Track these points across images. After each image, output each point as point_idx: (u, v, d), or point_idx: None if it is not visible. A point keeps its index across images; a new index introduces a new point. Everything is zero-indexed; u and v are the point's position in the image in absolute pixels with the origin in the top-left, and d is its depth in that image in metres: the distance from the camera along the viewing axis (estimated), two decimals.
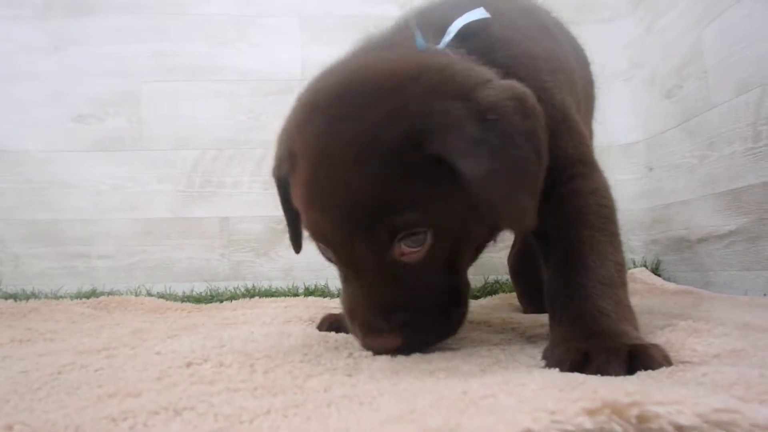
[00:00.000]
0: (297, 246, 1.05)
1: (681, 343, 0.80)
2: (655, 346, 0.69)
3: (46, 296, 1.89)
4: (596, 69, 2.18)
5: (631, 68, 2.14)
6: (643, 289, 1.72)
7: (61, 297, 1.89)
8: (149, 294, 1.93)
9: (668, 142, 1.91)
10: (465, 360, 0.78)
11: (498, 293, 1.95)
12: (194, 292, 1.97)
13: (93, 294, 1.91)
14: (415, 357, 0.80)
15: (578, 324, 0.76)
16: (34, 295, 1.89)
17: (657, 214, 2.01)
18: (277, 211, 1.04)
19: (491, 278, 2.03)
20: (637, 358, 0.65)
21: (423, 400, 0.52)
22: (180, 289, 1.99)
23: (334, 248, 0.81)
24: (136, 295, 1.87)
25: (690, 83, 1.76)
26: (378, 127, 0.75)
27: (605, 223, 0.89)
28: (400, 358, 0.79)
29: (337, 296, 1.86)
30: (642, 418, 0.33)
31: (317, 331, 1.11)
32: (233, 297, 1.89)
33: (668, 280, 1.91)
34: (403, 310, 0.78)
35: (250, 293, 1.90)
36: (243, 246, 2.07)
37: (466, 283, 0.87)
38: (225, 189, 2.09)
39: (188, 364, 0.77)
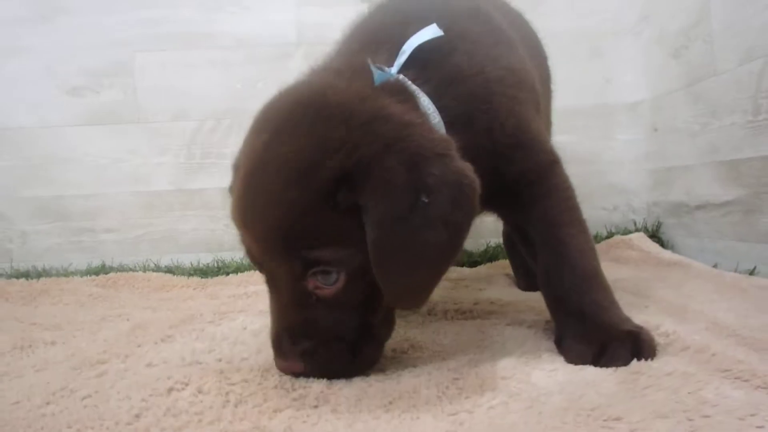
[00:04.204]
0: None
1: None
2: (645, 332, 0.86)
3: (57, 273, 1.98)
4: (607, 22, 2.08)
5: (640, 22, 2.03)
6: (637, 258, 1.72)
7: (71, 273, 1.97)
8: (157, 267, 2.01)
9: (673, 104, 1.84)
10: (429, 378, 0.81)
11: (498, 259, 1.97)
12: (201, 263, 2.03)
13: (102, 269, 1.99)
14: (384, 376, 0.84)
15: (583, 320, 0.89)
16: (45, 272, 1.97)
17: (660, 176, 1.98)
18: None
19: (493, 242, 2.05)
20: (635, 345, 0.83)
21: None
22: (187, 260, 2.06)
23: (258, 265, 0.85)
24: (144, 271, 1.94)
25: (697, 45, 1.68)
26: (315, 160, 0.75)
27: (573, 216, 0.99)
28: (371, 380, 0.83)
29: None
30: None
31: None
32: (239, 268, 1.95)
33: (666, 243, 1.91)
34: (310, 339, 0.81)
35: None
36: None
37: (388, 323, 0.88)
38: (226, 160, 2.08)
39: (169, 390, 0.81)
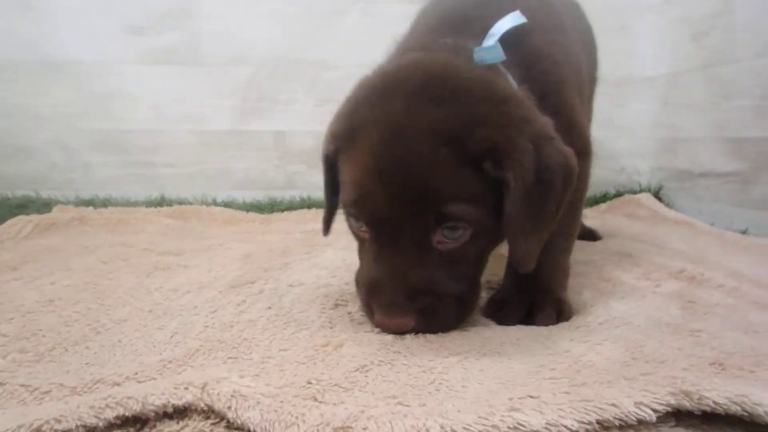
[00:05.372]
0: (327, 229, 1.08)
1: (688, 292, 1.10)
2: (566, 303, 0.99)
3: (118, 203, 2.13)
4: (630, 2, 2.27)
5: (667, 3, 2.23)
6: (647, 215, 2.01)
7: (134, 204, 2.12)
8: (215, 202, 2.18)
9: (687, 83, 2.09)
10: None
11: None
12: (254, 200, 2.22)
13: (163, 201, 2.15)
14: None
15: (522, 284, 1.00)
16: (109, 202, 2.12)
17: (666, 144, 2.25)
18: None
19: None
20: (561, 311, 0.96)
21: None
22: (240, 196, 2.23)
23: (379, 222, 0.85)
24: (206, 205, 2.12)
25: (717, 33, 1.91)
26: (465, 129, 0.81)
27: (573, 204, 1.04)
28: None
29: None
30: None
31: None
32: (290, 206, 2.15)
33: (667, 204, 2.20)
34: (426, 294, 0.85)
35: (306, 203, 2.16)
36: (296, 158, 2.28)
37: (479, 282, 0.96)
38: (279, 105, 2.26)
39: (336, 305, 1.02)
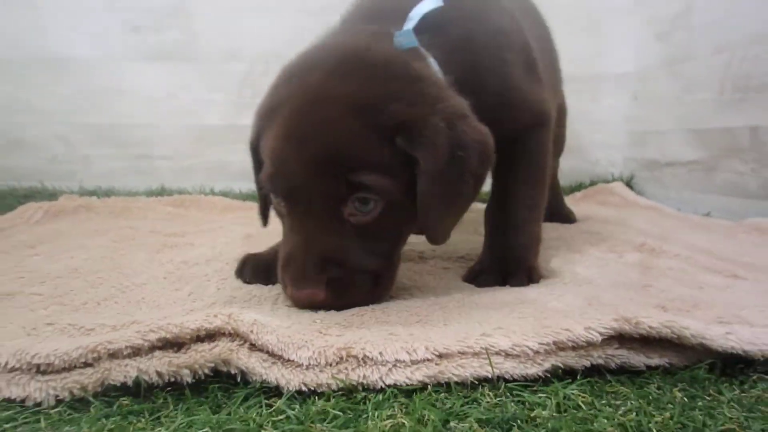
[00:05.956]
0: (265, 219, 1.10)
1: (648, 261, 1.24)
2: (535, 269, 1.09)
3: (121, 193, 2.23)
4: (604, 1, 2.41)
5: (634, 5, 2.40)
6: (619, 202, 2.16)
7: (135, 194, 2.23)
8: (213, 192, 2.29)
9: (654, 79, 2.25)
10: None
11: None
12: (251, 190, 2.32)
13: (163, 191, 2.26)
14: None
15: (498, 255, 1.11)
16: (112, 192, 2.22)
17: (637, 137, 2.41)
18: None
19: None
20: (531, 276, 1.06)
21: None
22: (237, 187, 2.34)
23: (292, 192, 0.87)
24: (205, 194, 2.23)
25: (680, 33, 2.07)
26: (378, 101, 0.84)
27: (530, 174, 1.11)
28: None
29: None
30: None
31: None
32: None
33: (638, 192, 2.35)
34: (337, 266, 0.86)
35: None
36: None
37: (400, 256, 0.98)
38: None
39: None
